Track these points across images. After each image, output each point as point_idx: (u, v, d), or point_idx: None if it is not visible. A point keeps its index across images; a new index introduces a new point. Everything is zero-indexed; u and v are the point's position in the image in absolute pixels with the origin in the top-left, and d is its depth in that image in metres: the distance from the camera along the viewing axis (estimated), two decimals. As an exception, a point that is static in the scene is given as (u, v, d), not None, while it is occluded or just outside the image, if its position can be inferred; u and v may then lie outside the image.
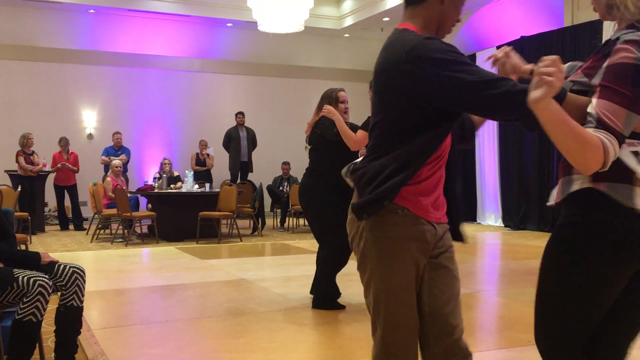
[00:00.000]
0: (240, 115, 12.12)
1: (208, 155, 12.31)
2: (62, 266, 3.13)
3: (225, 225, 10.16)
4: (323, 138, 4.68)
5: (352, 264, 6.86)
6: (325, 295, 4.72)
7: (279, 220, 11.27)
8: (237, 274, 6.27)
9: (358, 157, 4.73)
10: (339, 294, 4.78)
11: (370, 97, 4.33)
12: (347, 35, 14.67)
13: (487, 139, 12.11)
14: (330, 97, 4.90)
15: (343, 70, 15.23)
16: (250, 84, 14.36)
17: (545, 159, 10.78)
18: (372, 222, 1.85)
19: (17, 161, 10.35)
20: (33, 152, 10.58)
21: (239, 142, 12.01)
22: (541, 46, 10.83)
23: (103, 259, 7.56)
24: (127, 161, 11.42)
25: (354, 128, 4.88)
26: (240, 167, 12.06)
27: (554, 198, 1.78)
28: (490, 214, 12.04)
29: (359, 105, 15.18)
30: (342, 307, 4.71)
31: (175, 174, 10.97)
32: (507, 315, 4.59)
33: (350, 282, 5.81)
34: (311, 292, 5.02)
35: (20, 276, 2.90)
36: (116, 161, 10.35)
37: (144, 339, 3.99)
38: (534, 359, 3.45)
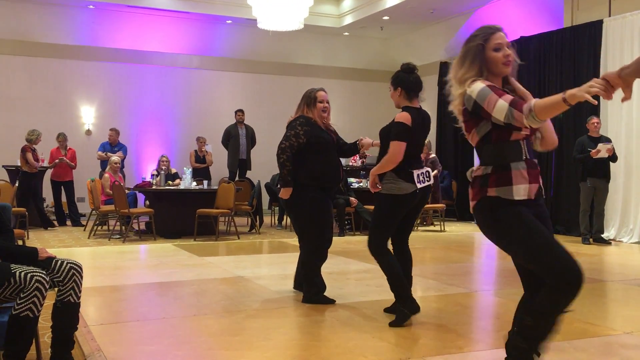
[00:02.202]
0: (239, 112, 12.11)
1: (207, 152, 12.30)
2: (59, 262, 3.13)
3: (222, 223, 10.16)
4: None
5: (347, 262, 6.83)
6: (313, 290, 4.82)
7: (276, 218, 11.27)
8: (234, 272, 6.27)
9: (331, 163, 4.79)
10: (325, 288, 4.89)
11: (391, 93, 4.30)
12: (346, 33, 14.67)
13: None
14: (309, 98, 4.89)
15: (342, 69, 15.23)
16: (249, 81, 14.36)
17: (544, 160, 10.78)
18: None
19: (24, 157, 10.26)
20: (35, 148, 10.55)
21: (238, 139, 12.00)
22: (541, 46, 10.84)
23: (100, 255, 7.56)
24: (124, 157, 11.41)
25: (335, 132, 4.98)
26: (239, 164, 12.05)
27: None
28: (487, 214, 12.03)
29: (358, 103, 15.23)
30: (332, 301, 4.78)
31: (173, 171, 10.97)
32: (503, 314, 4.59)
33: (347, 280, 5.83)
34: (295, 287, 5.15)
35: (18, 271, 2.90)
36: (115, 157, 10.34)
37: (140, 335, 3.99)
38: (529, 359, 3.45)
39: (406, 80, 4.21)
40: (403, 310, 4.09)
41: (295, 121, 4.80)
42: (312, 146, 4.75)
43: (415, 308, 4.11)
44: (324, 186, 4.82)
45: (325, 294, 4.90)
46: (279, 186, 4.97)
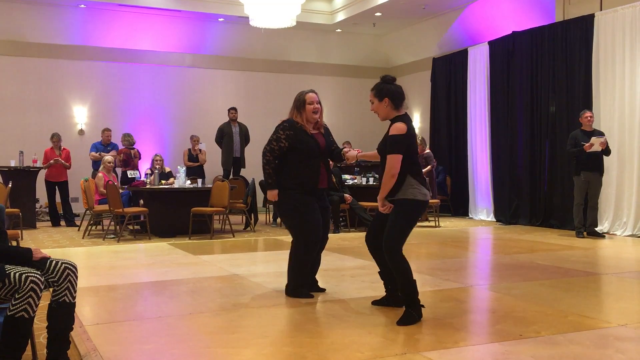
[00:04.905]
0: (233, 110, 12.10)
1: (200, 150, 12.29)
2: (54, 262, 3.12)
3: (217, 221, 10.15)
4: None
5: (342, 259, 6.82)
6: (292, 284, 4.94)
7: (271, 215, 11.27)
8: (230, 270, 6.27)
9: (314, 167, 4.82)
10: (307, 284, 5.01)
11: (375, 105, 4.27)
12: (339, 30, 14.66)
13: (479, 134, 12.14)
14: (299, 101, 4.95)
15: (335, 66, 15.23)
16: (242, 79, 14.34)
17: (537, 155, 10.82)
18: None
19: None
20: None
21: (232, 137, 11.99)
22: (533, 41, 10.86)
23: (95, 255, 7.54)
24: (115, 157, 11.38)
25: (327, 134, 4.99)
26: (233, 162, 12.04)
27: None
28: (482, 209, 12.08)
29: (351, 100, 15.24)
30: (310, 296, 4.88)
31: (167, 169, 10.95)
32: (498, 309, 4.61)
33: (342, 276, 5.83)
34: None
35: (12, 272, 2.89)
36: (108, 157, 10.32)
37: (136, 334, 3.99)
38: (525, 352, 3.48)
39: (393, 90, 4.19)
40: (413, 314, 4.08)
41: (280, 125, 4.92)
42: (294, 151, 4.84)
43: (421, 314, 4.12)
44: (304, 190, 4.85)
45: (319, 290, 5.00)
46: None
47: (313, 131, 4.94)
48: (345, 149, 5.02)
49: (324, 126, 5.07)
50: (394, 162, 4.06)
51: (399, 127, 4.10)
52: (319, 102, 4.96)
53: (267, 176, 4.92)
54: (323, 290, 5.11)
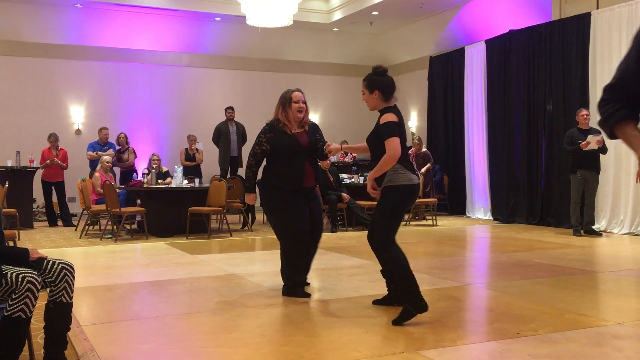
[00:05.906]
0: (229, 110, 12.08)
1: (197, 150, 12.28)
2: (51, 262, 3.11)
3: (215, 221, 10.14)
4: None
5: (340, 258, 6.84)
6: (289, 283, 4.95)
7: (268, 215, 11.24)
8: (227, 269, 6.27)
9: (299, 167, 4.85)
10: (304, 283, 5.02)
11: (365, 97, 4.32)
12: (336, 29, 14.66)
13: (476, 133, 12.15)
14: (284, 99, 5.00)
15: (332, 65, 15.22)
16: (239, 78, 14.33)
17: (534, 153, 10.83)
18: None
19: (120, 159, 11.24)
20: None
21: (229, 137, 11.97)
22: (529, 40, 10.87)
23: (92, 255, 7.53)
24: (115, 156, 11.37)
25: (313, 132, 4.98)
26: (230, 162, 12.02)
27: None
28: (479, 208, 12.09)
29: (348, 100, 15.24)
30: (307, 295, 4.88)
31: (164, 169, 10.94)
32: (496, 307, 4.62)
33: (339, 275, 5.83)
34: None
35: (9, 273, 2.89)
36: (106, 157, 10.30)
37: (133, 334, 3.99)
38: (523, 350, 3.48)
39: (383, 83, 4.23)
40: (409, 308, 4.02)
41: (262, 129, 5.00)
42: (276, 151, 4.92)
43: (423, 306, 4.05)
44: (287, 188, 4.89)
45: (317, 289, 4.98)
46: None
47: (297, 130, 4.96)
48: (328, 144, 4.99)
49: (310, 124, 5.07)
50: (395, 144, 4.05)
51: (390, 116, 4.15)
52: (305, 102, 4.99)
53: (246, 179, 5.13)
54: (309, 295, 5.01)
